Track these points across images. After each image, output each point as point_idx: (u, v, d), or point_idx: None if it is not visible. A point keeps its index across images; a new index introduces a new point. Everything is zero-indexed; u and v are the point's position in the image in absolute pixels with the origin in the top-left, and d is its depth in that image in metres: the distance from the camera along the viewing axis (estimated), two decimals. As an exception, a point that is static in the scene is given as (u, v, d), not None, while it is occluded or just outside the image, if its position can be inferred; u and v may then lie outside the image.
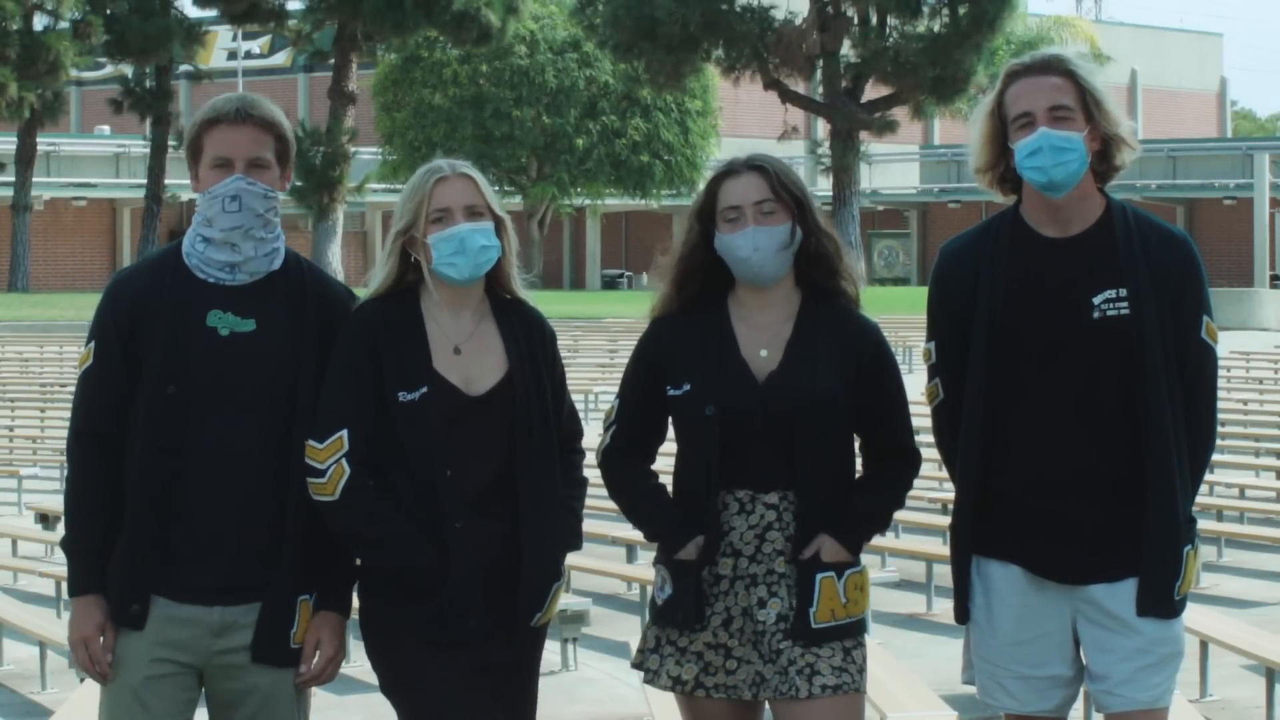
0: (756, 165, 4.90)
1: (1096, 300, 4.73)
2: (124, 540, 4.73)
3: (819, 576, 4.82)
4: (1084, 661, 4.83)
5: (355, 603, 4.96)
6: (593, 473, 5.16)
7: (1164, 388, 4.70)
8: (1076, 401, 4.73)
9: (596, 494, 5.15)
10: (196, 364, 4.72)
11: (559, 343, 5.07)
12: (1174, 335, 4.73)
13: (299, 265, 4.89)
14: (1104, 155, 4.81)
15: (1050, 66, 4.78)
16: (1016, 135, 4.76)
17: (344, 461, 4.74)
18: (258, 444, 4.74)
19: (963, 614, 4.90)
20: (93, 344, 4.81)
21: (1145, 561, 4.71)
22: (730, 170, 4.93)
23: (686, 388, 4.86)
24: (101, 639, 4.75)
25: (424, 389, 4.77)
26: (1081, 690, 4.94)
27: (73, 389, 4.97)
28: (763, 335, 4.89)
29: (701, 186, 5.09)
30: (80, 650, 4.77)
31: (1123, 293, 4.73)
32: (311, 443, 4.76)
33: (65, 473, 4.95)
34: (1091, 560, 4.74)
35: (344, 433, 4.75)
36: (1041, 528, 4.76)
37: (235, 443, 4.72)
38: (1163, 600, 4.72)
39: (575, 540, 4.97)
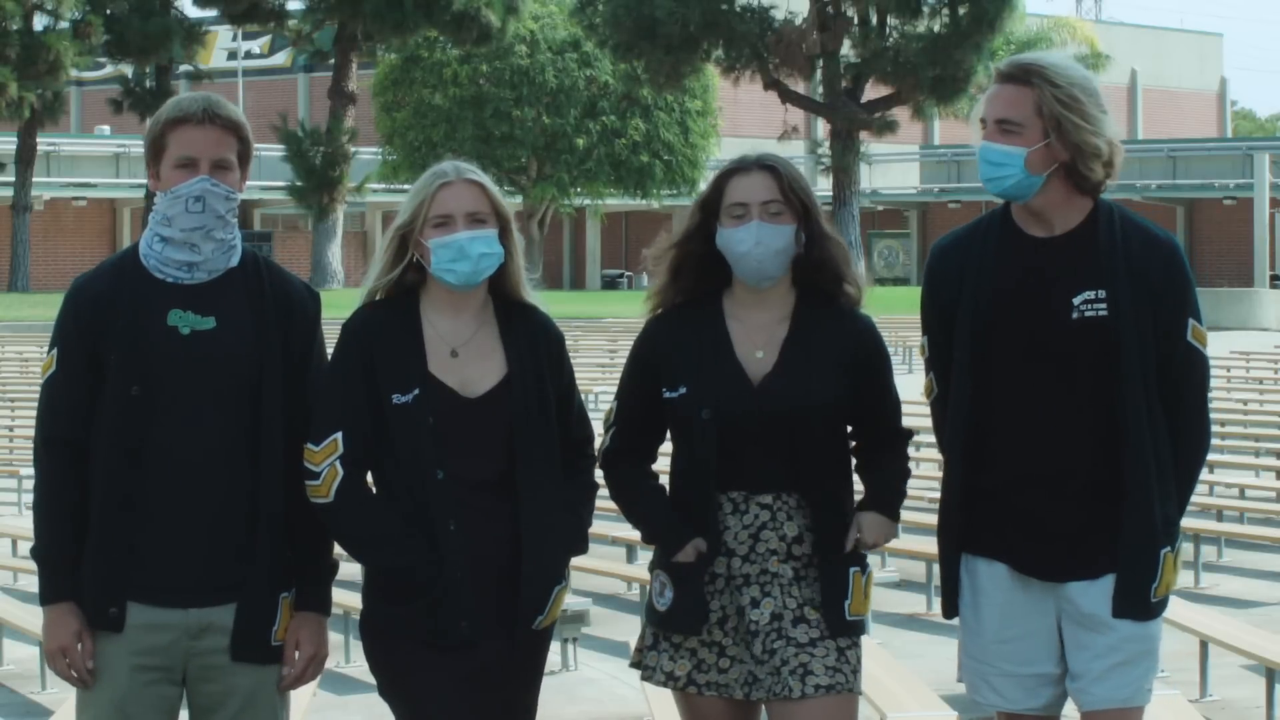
0: (768, 165, 4.89)
1: (1076, 301, 4.72)
2: (94, 543, 4.70)
3: (851, 570, 4.85)
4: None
5: (359, 604, 4.96)
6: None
7: (1141, 389, 4.68)
8: (1057, 401, 4.72)
9: (597, 494, 5.15)
10: (159, 364, 4.70)
11: (560, 344, 5.06)
12: (1156, 337, 4.71)
13: (256, 262, 4.86)
14: (1072, 168, 4.72)
15: (1013, 75, 4.72)
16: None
17: (338, 463, 4.75)
18: (225, 441, 4.71)
19: (950, 609, 4.90)
20: (55, 350, 4.77)
21: (1120, 562, 4.69)
22: (740, 167, 4.91)
23: (682, 390, 4.86)
24: (80, 645, 4.71)
25: (416, 391, 4.77)
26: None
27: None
28: (758, 335, 4.89)
29: (704, 184, 5.08)
30: (59, 660, 4.73)
31: (1101, 294, 4.70)
32: (308, 445, 4.76)
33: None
34: (1071, 558, 4.73)
35: (338, 435, 4.76)
36: (1024, 525, 4.76)
37: (202, 440, 4.70)
38: (1138, 602, 4.70)
39: (579, 543, 4.93)
